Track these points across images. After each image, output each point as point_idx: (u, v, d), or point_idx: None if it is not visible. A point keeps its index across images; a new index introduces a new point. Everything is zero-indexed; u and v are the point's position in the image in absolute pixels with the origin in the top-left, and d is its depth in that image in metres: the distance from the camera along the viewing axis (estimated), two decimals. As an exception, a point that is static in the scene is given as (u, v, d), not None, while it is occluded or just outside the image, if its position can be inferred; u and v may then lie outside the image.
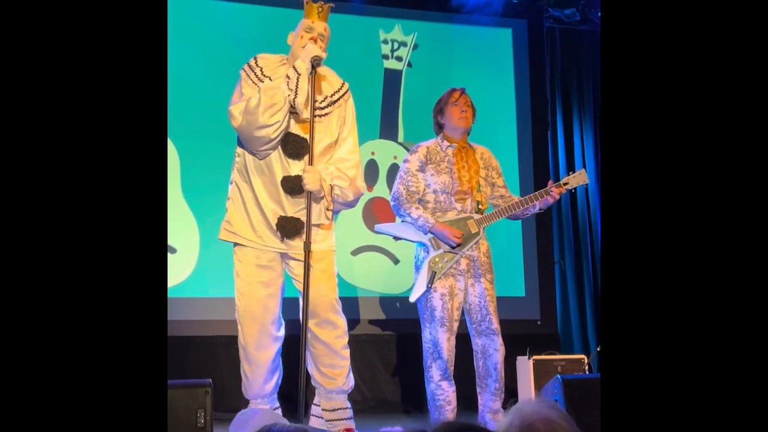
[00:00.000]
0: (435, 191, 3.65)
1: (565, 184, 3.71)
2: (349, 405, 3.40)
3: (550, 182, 3.73)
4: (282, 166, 3.27)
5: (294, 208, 3.27)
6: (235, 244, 3.36)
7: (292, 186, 3.23)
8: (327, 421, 3.33)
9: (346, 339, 3.38)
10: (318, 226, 3.29)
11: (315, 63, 3.18)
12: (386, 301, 5.15)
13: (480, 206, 3.66)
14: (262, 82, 3.29)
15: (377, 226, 3.95)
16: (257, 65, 3.35)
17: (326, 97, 3.38)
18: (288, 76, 3.22)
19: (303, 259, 3.11)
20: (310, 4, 3.32)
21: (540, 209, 3.72)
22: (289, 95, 3.19)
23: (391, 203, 3.73)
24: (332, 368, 3.33)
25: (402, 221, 3.71)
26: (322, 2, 3.33)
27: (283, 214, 3.27)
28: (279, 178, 3.26)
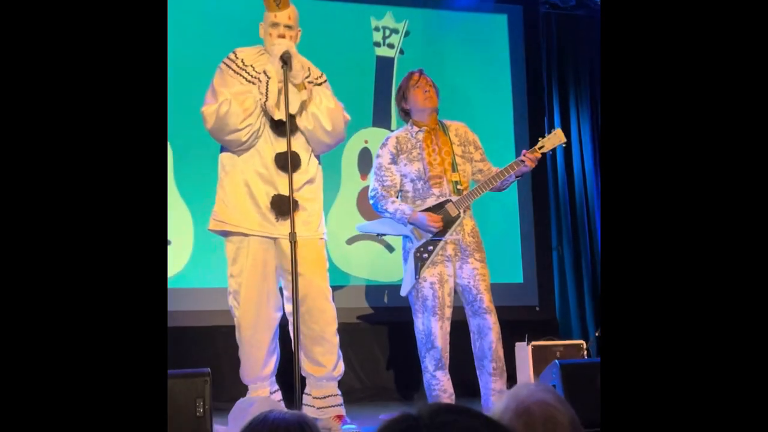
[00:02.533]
0: (412, 180, 3.60)
1: (540, 148, 3.60)
2: (339, 392, 3.40)
3: (525, 151, 3.63)
4: (271, 146, 3.29)
5: (288, 187, 3.27)
6: (227, 233, 3.35)
7: (285, 163, 3.20)
8: (318, 408, 3.33)
9: (336, 325, 3.38)
10: (310, 180, 3.33)
11: (286, 58, 3.16)
12: (384, 290, 5.15)
13: (459, 186, 3.57)
14: (245, 70, 3.31)
15: (358, 226, 3.96)
16: (237, 57, 3.37)
17: (307, 76, 3.35)
18: (259, 80, 3.23)
19: (290, 246, 3.11)
20: None
21: (517, 177, 3.64)
22: (260, 99, 3.20)
23: (370, 202, 3.69)
24: (322, 355, 3.33)
25: (383, 217, 3.68)
26: None
27: (276, 194, 3.27)
28: (269, 158, 3.27)
